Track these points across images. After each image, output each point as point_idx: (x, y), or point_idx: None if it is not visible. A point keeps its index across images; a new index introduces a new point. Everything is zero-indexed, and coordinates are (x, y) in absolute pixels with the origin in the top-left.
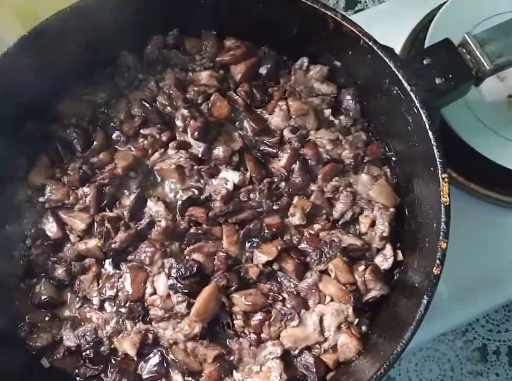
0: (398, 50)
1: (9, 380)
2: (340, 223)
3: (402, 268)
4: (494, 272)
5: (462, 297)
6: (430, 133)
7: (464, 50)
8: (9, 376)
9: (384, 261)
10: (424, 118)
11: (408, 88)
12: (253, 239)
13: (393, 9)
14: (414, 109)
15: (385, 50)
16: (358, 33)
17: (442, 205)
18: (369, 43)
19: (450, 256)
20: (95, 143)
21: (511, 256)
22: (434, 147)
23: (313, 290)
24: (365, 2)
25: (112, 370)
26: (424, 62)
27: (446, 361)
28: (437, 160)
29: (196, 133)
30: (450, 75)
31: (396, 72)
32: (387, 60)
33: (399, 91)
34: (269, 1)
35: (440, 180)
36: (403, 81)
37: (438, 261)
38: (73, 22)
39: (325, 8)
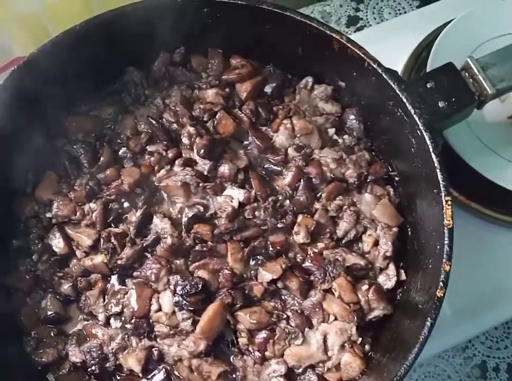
0: (400, 68)
1: None
2: (343, 241)
3: (405, 287)
4: (495, 290)
5: (464, 314)
6: (433, 155)
7: (467, 74)
8: None
9: (387, 280)
10: (427, 141)
11: (412, 111)
12: (258, 257)
13: (395, 27)
14: (418, 131)
15: (390, 72)
16: (363, 55)
17: (445, 228)
18: (374, 66)
19: (451, 274)
20: (102, 159)
21: (510, 275)
22: (437, 170)
23: (317, 309)
24: (367, 19)
25: None
26: (428, 85)
27: (446, 378)
28: (440, 182)
29: (202, 151)
30: (453, 99)
31: (400, 95)
32: (391, 83)
33: (402, 113)
34: (275, 22)
35: (444, 202)
36: (407, 104)
37: (441, 284)
38: (82, 39)
39: (330, 30)
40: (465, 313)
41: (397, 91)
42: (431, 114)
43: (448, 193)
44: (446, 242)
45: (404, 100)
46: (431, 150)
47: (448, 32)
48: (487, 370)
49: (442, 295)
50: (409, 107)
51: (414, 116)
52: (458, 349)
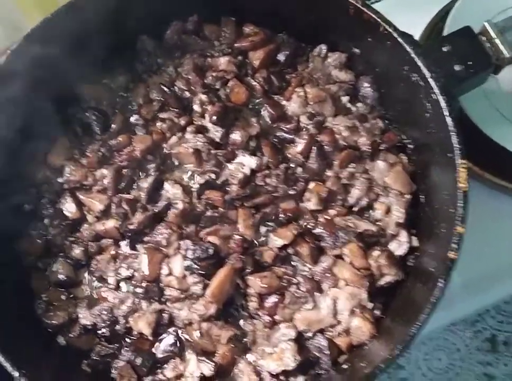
0: (417, 37)
1: (26, 356)
2: (355, 209)
3: (417, 254)
4: (507, 262)
5: (475, 286)
6: (448, 119)
7: (484, 38)
8: (26, 352)
9: (399, 247)
10: (443, 105)
11: (427, 75)
12: (269, 223)
13: None
14: (433, 95)
15: (405, 36)
16: (378, 19)
17: (460, 191)
18: (389, 30)
19: (463, 246)
20: (114, 126)
21: None
22: (452, 133)
23: (328, 274)
24: None
25: (127, 349)
26: (444, 49)
27: (456, 351)
28: (455, 146)
29: (214, 118)
30: (470, 63)
31: (416, 59)
32: (406, 47)
33: (417, 78)
34: None
35: (458, 166)
36: (422, 67)
37: (455, 245)
38: (92, 5)
39: None
40: (476, 285)
41: (412, 55)
42: (447, 77)
43: (463, 156)
44: (460, 204)
45: (420, 63)
46: (446, 113)
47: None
48: (497, 344)
49: (455, 256)
50: (425, 71)
51: (430, 79)
52: (468, 323)
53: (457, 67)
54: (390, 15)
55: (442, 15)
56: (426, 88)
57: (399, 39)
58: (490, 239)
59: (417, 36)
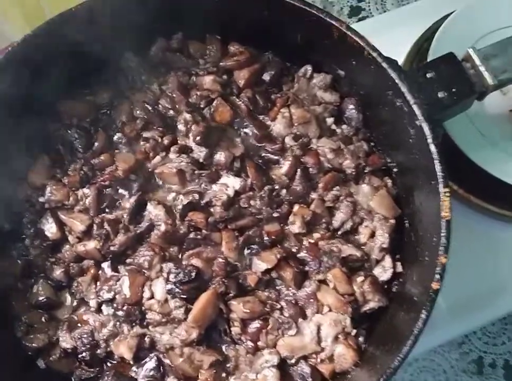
0: (401, 60)
1: (5, 379)
2: (340, 232)
3: (401, 280)
4: (492, 285)
5: (460, 309)
6: (432, 146)
7: (468, 65)
8: (5, 375)
9: (383, 272)
10: (426, 131)
11: (411, 101)
12: (252, 246)
13: (397, 18)
14: (417, 122)
15: (389, 62)
16: (362, 44)
17: (443, 220)
18: (374, 55)
19: (448, 268)
20: (96, 144)
21: (509, 269)
22: (436, 161)
23: (312, 300)
24: (369, 10)
25: (108, 373)
26: (428, 75)
27: (442, 372)
28: (438, 173)
29: (198, 138)
30: (454, 90)
31: (400, 85)
32: (390, 72)
33: (401, 103)
34: (275, 8)
35: (441, 194)
36: (406, 93)
37: (437, 276)
38: (78, 22)
39: (330, 18)
40: (462, 308)
41: (396, 81)
42: (431, 104)
43: (446, 184)
44: (443, 234)
45: (404, 90)
46: (429, 140)
47: (449, 23)
48: (483, 366)
49: (438, 287)
50: (408, 97)
51: (414, 106)
52: (454, 344)
53: (441, 94)
54: (376, 34)
55: (428, 35)
56: (410, 113)
57: (383, 64)
58: (474, 262)
59: (402, 56)
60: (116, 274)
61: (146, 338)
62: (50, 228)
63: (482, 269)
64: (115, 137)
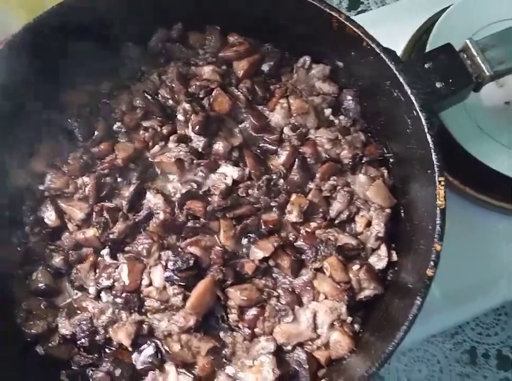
0: (399, 52)
1: (4, 365)
2: (336, 221)
3: (396, 268)
4: (486, 276)
5: (454, 299)
6: (428, 136)
7: (465, 55)
8: (4, 361)
9: (378, 261)
10: (423, 121)
11: (408, 91)
12: (250, 234)
13: (396, 11)
14: (414, 111)
15: (387, 52)
16: (361, 34)
17: (438, 208)
18: (372, 45)
19: (443, 258)
20: (96, 133)
21: (503, 260)
22: (432, 151)
23: (308, 287)
24: (368, 3)
25: (106, 359)
26: (426, 65)
27: (435, 362)
28: (435, 163)
29: (197, 127)
30: (451, 80)
31: (397, 75)
32: (389, 62)
33: (399, 94)
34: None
35: (437, 183)
36: (403, 83)
37: (432, 263)
38: (78, 12)
39: (329, 8)
40: (455, 298)
41: (394, 71)
42: (428, 94)
43: (442, 174)
44: (438, 222)
45: (401, 80)
46: (426, 130)
47: (448, 15)
48: (476, 356)
49: (432, 274)
50: (406, 87)
51: (411, 96)
52: (448, 335)
53: (438, 85)
54: (375, 26)
55: (426, 28)
56: (407, 104)
57: (381, 55)
58: (469, 253)
59: (400, 48)
60: (114, 261)
61: (144, 325)
62: (50, 216)
63: (477, 260)
64: (115, 127)
